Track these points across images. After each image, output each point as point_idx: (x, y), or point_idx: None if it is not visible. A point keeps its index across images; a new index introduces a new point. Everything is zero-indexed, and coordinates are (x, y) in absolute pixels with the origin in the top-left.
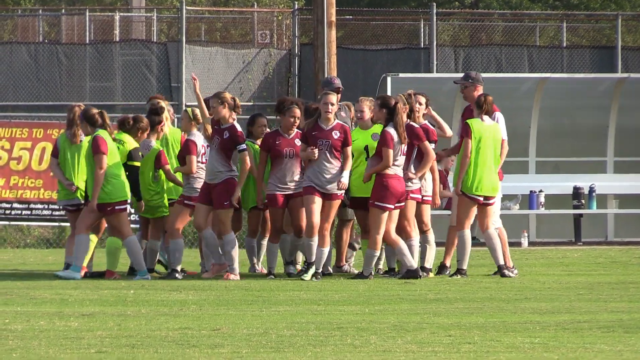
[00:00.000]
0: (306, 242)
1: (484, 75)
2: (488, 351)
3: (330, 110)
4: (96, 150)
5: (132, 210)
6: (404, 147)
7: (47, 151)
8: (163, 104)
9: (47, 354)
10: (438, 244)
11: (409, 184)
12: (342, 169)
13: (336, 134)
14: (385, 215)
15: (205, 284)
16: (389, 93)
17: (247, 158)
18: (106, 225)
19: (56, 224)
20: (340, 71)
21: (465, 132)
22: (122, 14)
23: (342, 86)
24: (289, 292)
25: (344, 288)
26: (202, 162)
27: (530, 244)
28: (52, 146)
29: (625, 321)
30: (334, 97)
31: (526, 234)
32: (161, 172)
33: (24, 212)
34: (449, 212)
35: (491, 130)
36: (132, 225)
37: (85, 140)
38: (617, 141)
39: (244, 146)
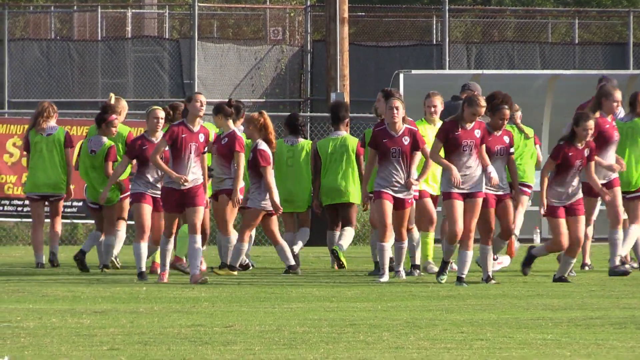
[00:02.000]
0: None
1: (496, 72)
2: (500, 347)
3: (396, 115)
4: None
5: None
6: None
7: None
8: (115, 101)
9: (60, 351)
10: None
11: (410, 191)
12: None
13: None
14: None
15: (218, 280)
16: (401, 90)
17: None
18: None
19: (68, 220)
20: (353, 68)
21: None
22: (134, 10)
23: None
24: (301, 288)
25: (356, 285)
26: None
27: (542, 240)
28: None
29: (637, 317)
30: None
31: (538, 231)
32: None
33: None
34: None
35: None
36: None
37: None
38: None
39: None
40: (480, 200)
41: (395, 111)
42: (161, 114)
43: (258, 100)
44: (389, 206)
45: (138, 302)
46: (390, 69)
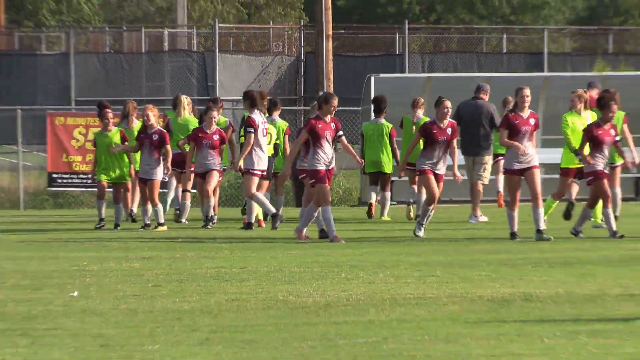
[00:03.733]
0: None
1: (444, 75)
2: (447, 282)
3: (527, 101)
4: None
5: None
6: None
7: None
8: (130, 105)
9: (116, 288)
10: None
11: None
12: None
13: (532, 121)
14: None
15: (235, 234)
16: (372, 90)
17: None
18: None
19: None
20: (336, 73)
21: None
22: (169, 30)
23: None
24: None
25: (342, 234)
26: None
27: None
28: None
29: (550, 258)
30: (527, 90)
31: None
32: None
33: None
34: None
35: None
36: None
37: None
38: (544, 125)
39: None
40: (537, 171)
41: (446, 110)
42: (215, 113)
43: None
44: (432, 179)
45: (175, 250)
46: (365, 74)
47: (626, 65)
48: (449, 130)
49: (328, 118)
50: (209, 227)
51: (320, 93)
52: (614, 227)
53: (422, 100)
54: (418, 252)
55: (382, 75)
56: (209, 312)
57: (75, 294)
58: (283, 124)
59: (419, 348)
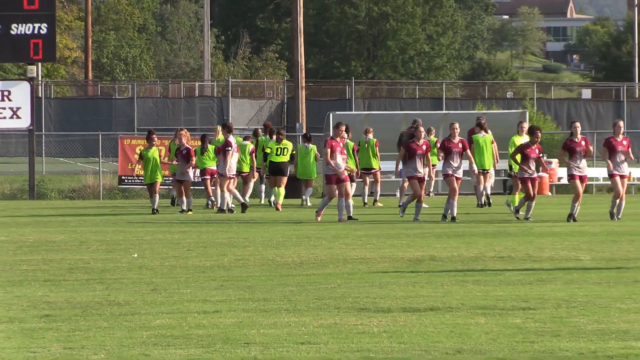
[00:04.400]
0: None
1: (378, 113)
2: (380, 248)
3: (456, 132)
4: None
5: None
6: None
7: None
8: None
9: (162, 251)
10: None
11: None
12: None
13: (460, 144)
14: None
15: (240, 216)
16: (331, 125)
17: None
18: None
19: (166, 187)
20: (307, 111)
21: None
22: (198, 82)
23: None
24: (284, 218)
25: (308, 217)
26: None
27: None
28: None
29: (448, 232)
30: (457, 124)
31: None
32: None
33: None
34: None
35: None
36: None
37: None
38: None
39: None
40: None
41: (422, 133)
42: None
43: (259, 126)
44: (417, 183)
45: (201, 225)
46: (326, 111)
47: (497, 106)
48: (424, 147)
49: (338, 139)
50: (227, 212)
51: (297, 124)
52: (519, 213)
53: (371, 128)
54: (361, 228)
55: (337, 112)
56: (223, 267)
57: (135, 255)
58: (289, 144)
59: (361, 291)
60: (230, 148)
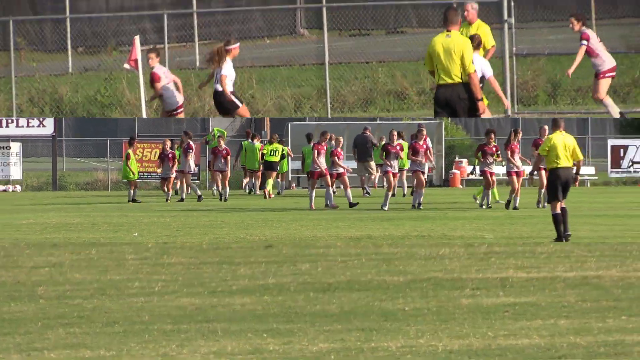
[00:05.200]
0: None
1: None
2: (337, 228)
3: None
4: None
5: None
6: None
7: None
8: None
9: (157, 231)
10: None
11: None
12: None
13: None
14: None
15: (242, 203)
16: (290, 135)
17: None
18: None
19: (157, 181)
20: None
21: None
22: None
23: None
24: (268, 207)
25: (288, 206)
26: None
27: None
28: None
29: (382, 217)
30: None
31: None
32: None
33: (144, 175)
34: None
35: None
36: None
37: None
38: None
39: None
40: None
41: (395, 136)
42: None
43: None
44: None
45: (211, 211)
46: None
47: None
48: (397, 147)
49: (324, 143)
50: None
51: (262, 132)
52: (486, 202)
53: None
54: (328, 213)
55: (294, 122)
56: (209, 243)
57: (136, 234)
58: (279, 147)
59: (331, 270)
60: (191, 150)
